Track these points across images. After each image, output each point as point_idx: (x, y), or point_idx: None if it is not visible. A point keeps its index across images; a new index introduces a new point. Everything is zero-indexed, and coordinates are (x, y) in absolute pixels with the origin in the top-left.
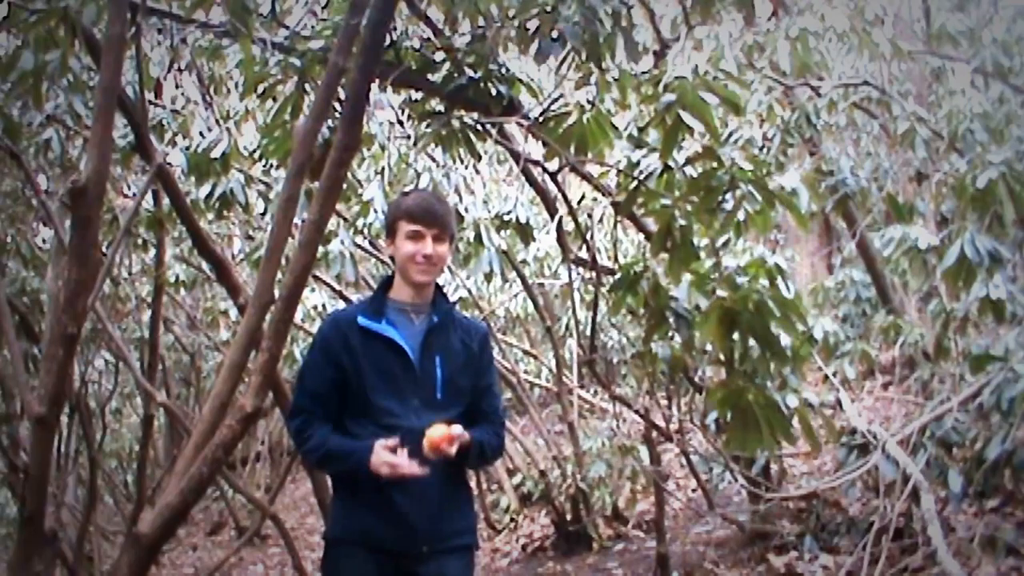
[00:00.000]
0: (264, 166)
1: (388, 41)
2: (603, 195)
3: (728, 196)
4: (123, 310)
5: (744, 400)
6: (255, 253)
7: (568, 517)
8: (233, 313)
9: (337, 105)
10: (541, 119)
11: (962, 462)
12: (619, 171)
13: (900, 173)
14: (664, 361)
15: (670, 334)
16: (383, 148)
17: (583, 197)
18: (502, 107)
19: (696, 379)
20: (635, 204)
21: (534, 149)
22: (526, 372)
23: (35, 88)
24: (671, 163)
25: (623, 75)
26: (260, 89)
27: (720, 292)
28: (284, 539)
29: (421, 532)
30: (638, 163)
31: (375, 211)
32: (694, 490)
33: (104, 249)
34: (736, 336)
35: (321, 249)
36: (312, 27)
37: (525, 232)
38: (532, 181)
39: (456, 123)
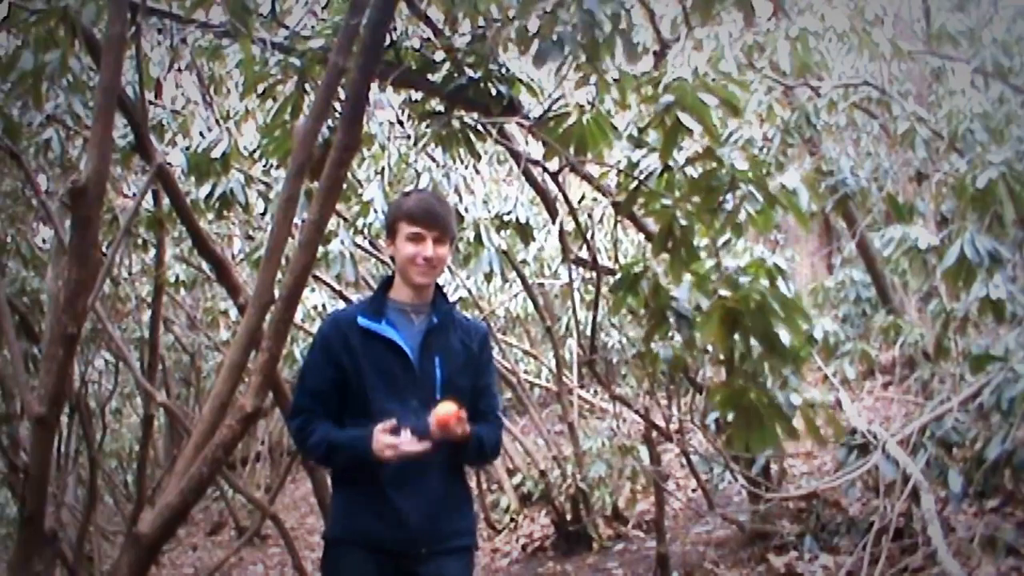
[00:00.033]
0: (264, 166)
1: (388, 41)
2: (603, 195)
3: (729, 196)
4: (123, 310)
5: (746, 400)
6: (255, 253)
7: (568, 517)
8: (233, 313)
9: (337, 105)
10: (541, 119)
11: (962, 462)
12: (619, 171)
13: (900, 173)
14: (665, 361)
15: (670, 334)
16: (383, 148)
17: (583, 197)
18: (502, 107)
19: (697, 379)
20: (635, 204)
21: (534, 149)
22: (526, 372)
23: (35, 88)
24: (671, 163)
25: (623, 76)
26: (260, 89)
27: (722, 292)
28: (284, 539)
29: (420, 533)
30: (638, 163)
31: (375, 211)
32: (694, 490)
33: (104, 249)
34: (737, 336)
35: (321, 249)
36: (312, 27)
37: (525, 232)
38: (532, 181)
39: (456, 123)
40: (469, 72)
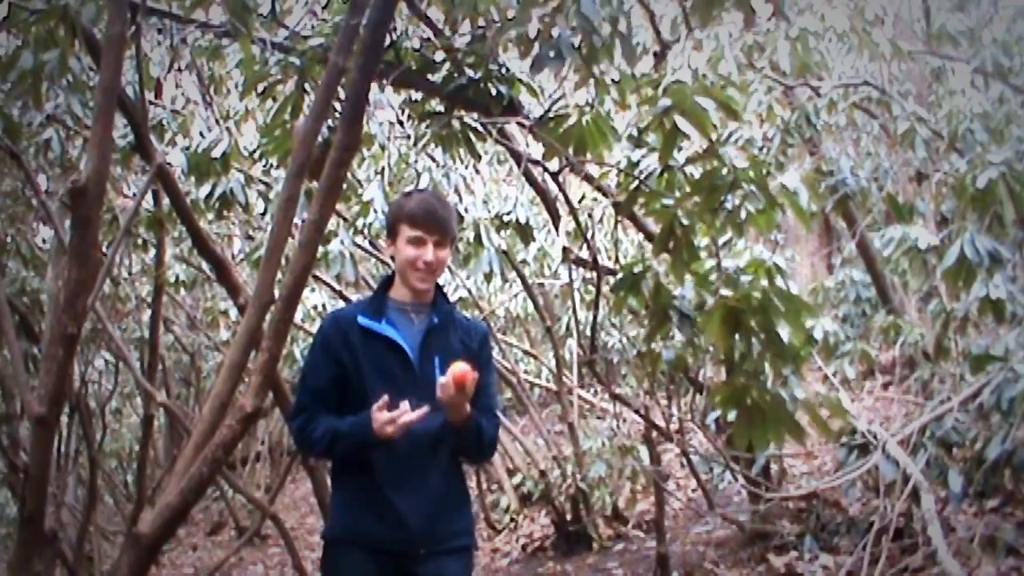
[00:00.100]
0: (264, 166)
1: (388, 41)
2: (603, 195)
3: (730, 196)
4: (123, 310)
5: (748, 398)
6: (255, 253)
7: (568, 517)
8: (233, 313)
9: (337, 105)
10: (541, 120)
11: (962, 462)
12: (619, 171)
13: (900, 173)
14: (667, 362)
15: (672, 334)
16: (383, 148)
17: (583, 197)
18: (502, 107)
19: (697, 379)
20: (636, 204)
21: (535, 149)
22: (526, 372)
23: (35, 88)
24: (672, 163)
25: (623, 77)
26: (260, 89)
27: (723, 291)
28: (284, 539)
29: (419, 533)
30: (638, 163)
31: (375, 211)
32: (694, 490)
33: (104, 249)
34: (738, 335)
35: (321, 249)
36: (312, 27)
37: (525, 232)
38: (532, 181)
39: (456, 123)
40: (469, 72)
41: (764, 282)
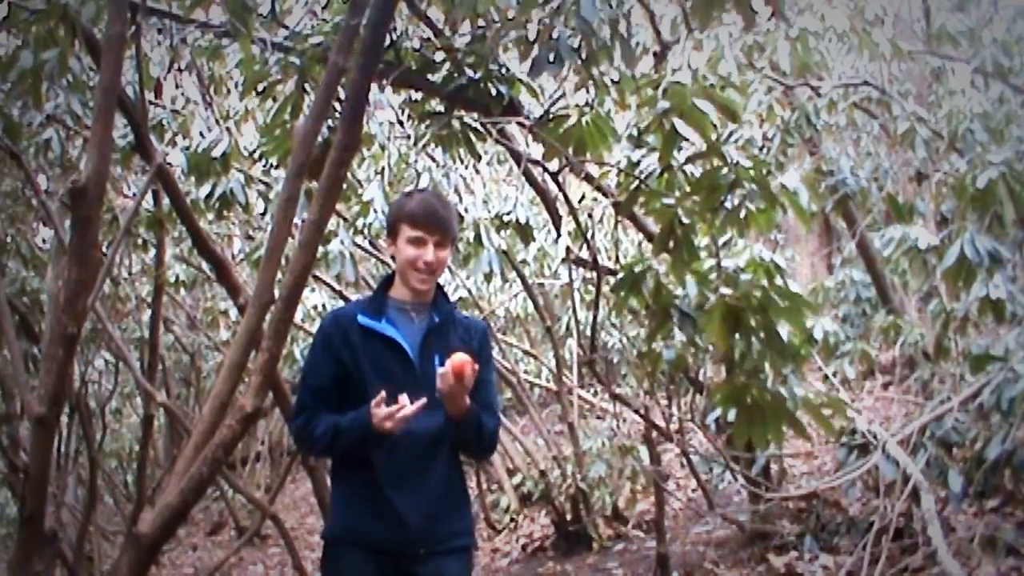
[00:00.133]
0: (264, 166)
1: (388, 41)
2: (604, 195)
3: (730, 195)
4: (123, 310)
5: (747, 396)
6: (255, 253)
7: (568, 517)
8: (233, 313)
9: (337, 105)
10: (541, 120)
11: (962, 462)
12: (620, 171)
13: (900, 173)
14: (668, 361)
15: (673, 333)
16: (383, 148)
17: (583, 197)
18: (502, 107)
19: (697, 378)
20: (636, 204)
21: (535, 149)
22: (526, 372)
23: (35, 88)
24: (672, 162)
25: (622, 78)
26: (260, 89)
27: (723, 290)
28: (284, 539)
29: (419, 533)
30: (638, 163)
31: (375, 211)
32: (694, 490)
33: (104, 249)
34: (738, 334)
35: (321, 249)
36: (312, 27)
37: (525, 232)
38: (532, 181)
39: (456, 123)
40: (469, 72)
41: (764, 281)
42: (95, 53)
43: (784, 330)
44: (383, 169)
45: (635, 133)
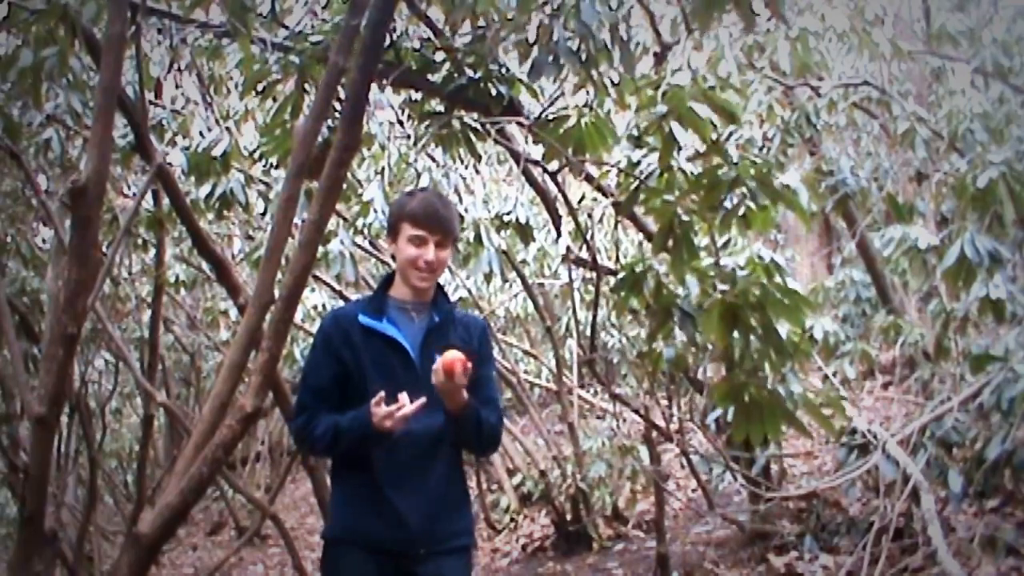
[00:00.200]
0: (264, 166)
1: (388, 41)
2: (603, 195)
3: (730, 194)
4: (123, 310)
5: (745, 394)
6: (255, 253)
7: (568, 517)
8: (233, 313)
9: (337, 105)
10: (540, 120)
11: (962, 462)
12: (620, 171)
13: (900, 173)
14: (668, 361)
15: (673, 333)
16: (383, 148)
17: (583, 197)
18: (502, 107)
19: (697, 378)
20: (636, 204)
21: (534, 149)
22: (526, 372)
23: (35, 88)
24: (672, 162)
25: (622, 79)
26: (260, 88)
27: (721, 287)
28: (284, 539)
29: (419, 533)
30: (638, 163)
31: (375, 211)
32: (694, 490)
33: (104, 249)
34: (737, 333)
35: (321, 249)
36: (312, 27)
37: (525, 232)
38: (532, 181)
39: (456, 123)
40: (469, 72)
41: (763, 279)
42: (95, 53)
43: (783, 328)
44: (383, 169)
45: (635, 134)
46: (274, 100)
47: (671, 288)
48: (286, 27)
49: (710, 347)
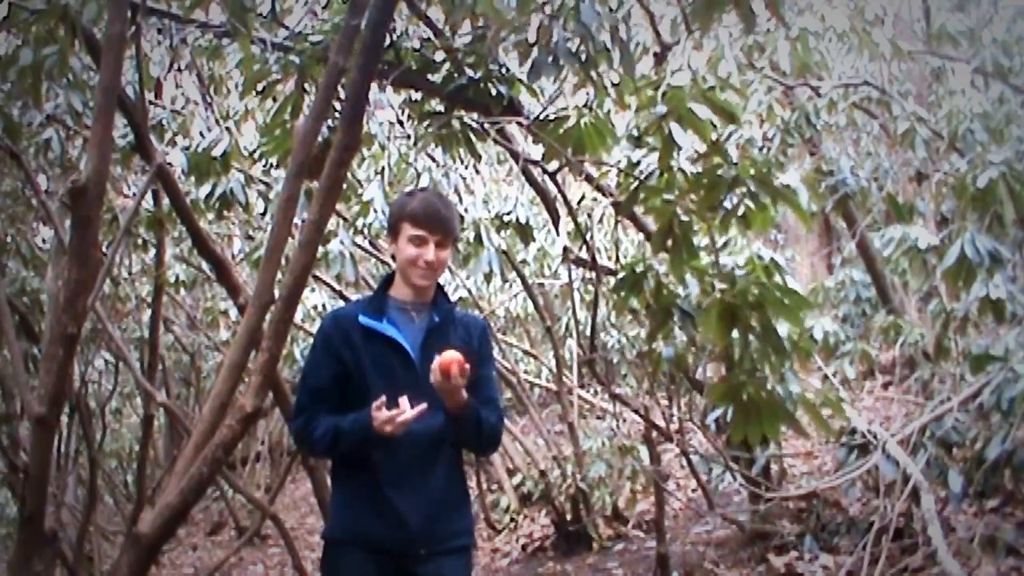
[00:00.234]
0: (264, 166)
1: (388, 41)
2: (603, 195)
3: (730, 194)
4: (123, 310)
5: (744, 393)
6: (255, 253)
7: (568, 517)
8: (233, 313)
9: (337, 105)
10: (540, 121)
11: (962, 462)
12: (619, 171)
13: (900, 173)
14: (668, 360)
15: (673, 333)
16: (383, 148)
17: (583, 197)
18: (502, 107)
19: (697, 378)
20: (636, 203)
21: (534, 149)
22: (526, 372)
23: (35, 87)
24: (672, 163)
25: (622, 80)
26: (260, 88)
27: (720, 286)
28: (284, 539)
29: (419, 533)
30: (638, 163)
31: (375, 211)
32: (694, 490)
33: (104, 249)
34: (736, 332)
35: (321, 249)
36: (312, 27)
37: (525, 232)
38: (532, 181)
39: (456, 123)
40: (469, 72)
41: (762, 278)
42: (95, 53)
43: (783, 328)
44: (383, 169)
45: (635, 134)
46: (274, 100)
47: (671, 288)
48: (286, 27)
49: (710, 347)
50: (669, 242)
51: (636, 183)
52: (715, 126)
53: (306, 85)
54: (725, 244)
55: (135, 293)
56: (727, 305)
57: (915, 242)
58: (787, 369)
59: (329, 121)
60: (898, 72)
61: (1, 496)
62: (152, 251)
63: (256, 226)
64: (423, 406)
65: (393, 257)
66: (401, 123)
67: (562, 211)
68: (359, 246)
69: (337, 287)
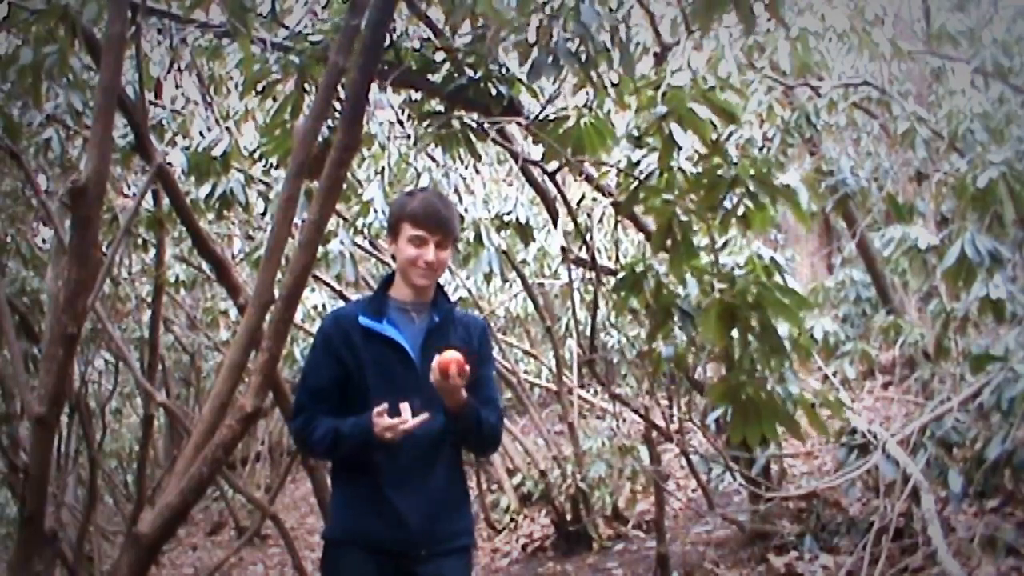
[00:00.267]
0: (264, 166)
1: (388, 41)
2: (603, 195)
3: (730, 193)
4: (123, 310)
5: (743, 394)
6: (255, 253)
7: (568, 517)
8: (233, 313)
9: (337, 105)
10: (539, 121)
11: (962, 462)
12: (619, 171)
13: (900, 173)
14: (668, 360)
15: (673, 333)
16: (383, 148)
17: (583, 197)
18: (502, 107)
19: (696, 378)
20: (636, 203)
21: (534, 149)
22: (526, 372)
23: (35, 87)
24: (672, 163)
25: (621, 80)
26: (260, 88)
27: (719, 286)
28: (284, 539)
29: (419, 534)
30: (638, 163)
31: (375, 211)
32: (694, 490)
33: (104, 249)
34: (736, 332)
35: (321, 249)
36: (312, 27)
37: (525, 232)
38: (532, 181)
39: (456, 123)
40: (469, 72)
41: (762, 278)
42: (95, 53)
43: (783, 328)
44: (383, 169)
45: (634, 134)
46: (274, 100)
47: (671, 288)
48: (286, 27)
49: (709, 347)
50: (669, 242)
51: (636, 183)
52: (715, 126)
53: (306, 85)
54: (725, 244)
55: (135, 293)
56: (726, 305)
57: (915, 242)
58: (787, 369)
59: (329, 121)
60: (898, 72)
61: (1, 496)
62: (152, 251)
63: (256, 226)
64: (425, 415)
65: (393, 257)
66: (401, 123)
67: (562, 211)
68: (359, 246)
69: (337, 287)
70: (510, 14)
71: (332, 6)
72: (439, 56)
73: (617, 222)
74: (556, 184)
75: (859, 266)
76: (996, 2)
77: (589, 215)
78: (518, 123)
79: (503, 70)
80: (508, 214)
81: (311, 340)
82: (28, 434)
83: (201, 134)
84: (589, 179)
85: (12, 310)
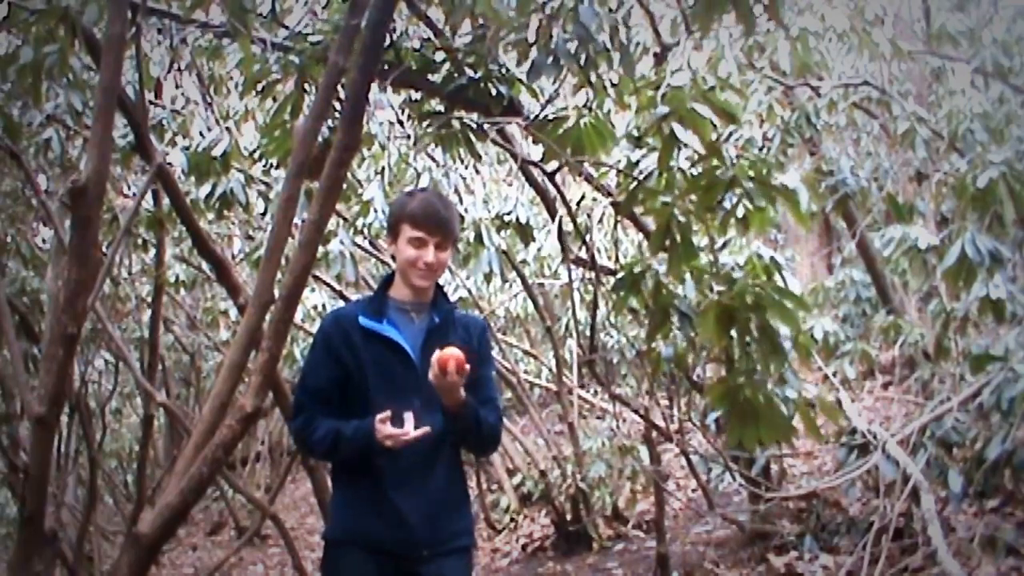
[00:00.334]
0: (264, 166)
1: (388, 41)
2: (603, 195)
3: (729, 194)
4: (123, 310)
5: (741, 396)
6: (255, 253)
7: (568, 517)
8: (233, 313)
9: (337, 105)
10: (539, 121)
11: (962, 462)
12: (619, 171)
13: (900, 173)
14: (667, 360)
15: (673, 333)
16: (383, 148)
17: (583, 197)
18: (502, 107)
19: (695, 378)
20: (635, 204)
21: (534, 150)
22: (526, 372)
23: (35, 87)
24: (671, 164)
25: (621, 80)
26: (260, 88)
27: (717, 287)
28: (284, 539)
29: (420, 534)
30: (638, 163)
31: (375, 211)
32: (694, 490)
33: (104, 249)
34: (734, 333)
35: (321, 249)
36: (312, 27)
37: (525, 232)
38: (532, 181)
39: (456, 123)
40: (469, 72)
41: (761, 278)
42: (95, 53)
43: (783, 328)
44: (383, 169)
45: (634, 134)
46: (274, 100)
47: (670, 288)
48: (286, 27)
49: (707, 347)
50: (668, 242)
51: (635, 183)
52: (715, 126)
53: (306, 85)
54: (725, 244)
55: (135, 293)
56: (725, 307)
57: (915, 242)
58: (787, 370)
59: (329, 121)
60: (898, 72)
61: (1, 496)
62: (152, 251)
63: (256, 226)
64: (426, 428)
65: (393, 257)
66: (401, 123)
67: (562, 211)
68: (359, 246)
69: (337, 287)
70: (510, 14)
71: (332, 6)
72: (439, 56)
73: (617, 222)
74: (555, 184)
75: (859, 266)
76: (996, 2)
77: (589, 215)
78: (518, 123)
79: (503, 70)
80: (508, 214)
81: (311, 340)
82: (28, 434)
83: (201, 134)
84: (589, 179)
85: (12, 310)
